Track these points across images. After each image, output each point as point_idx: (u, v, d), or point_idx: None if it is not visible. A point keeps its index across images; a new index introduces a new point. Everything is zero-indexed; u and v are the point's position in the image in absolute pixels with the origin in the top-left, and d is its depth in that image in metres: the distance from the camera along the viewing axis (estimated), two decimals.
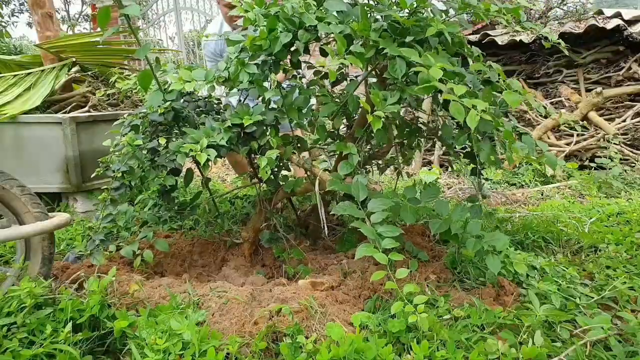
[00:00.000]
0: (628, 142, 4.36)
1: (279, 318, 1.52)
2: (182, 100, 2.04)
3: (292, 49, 1.82)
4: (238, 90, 1.95)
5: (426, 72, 1.47)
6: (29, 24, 18.40)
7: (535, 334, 1.41)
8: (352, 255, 2.02)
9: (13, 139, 3.03)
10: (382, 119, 1.58)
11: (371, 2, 1.75)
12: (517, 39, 4.82)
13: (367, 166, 2.38)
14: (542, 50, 5.01)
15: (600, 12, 4.75)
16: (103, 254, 1.98)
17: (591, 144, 4.38)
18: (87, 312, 1.50)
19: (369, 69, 1.92)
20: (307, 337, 1.44)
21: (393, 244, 1.49)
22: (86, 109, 3.34)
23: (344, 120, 2.16)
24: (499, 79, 1.78)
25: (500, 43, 4.89)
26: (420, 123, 2.30)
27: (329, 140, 2.25)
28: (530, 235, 2.36)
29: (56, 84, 3.34)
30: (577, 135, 4.49)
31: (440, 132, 2.12)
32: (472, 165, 2.06)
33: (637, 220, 2.52)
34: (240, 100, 2.08)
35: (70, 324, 1.43)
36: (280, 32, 1.70)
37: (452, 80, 1.51)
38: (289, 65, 1.96)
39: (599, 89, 4.34)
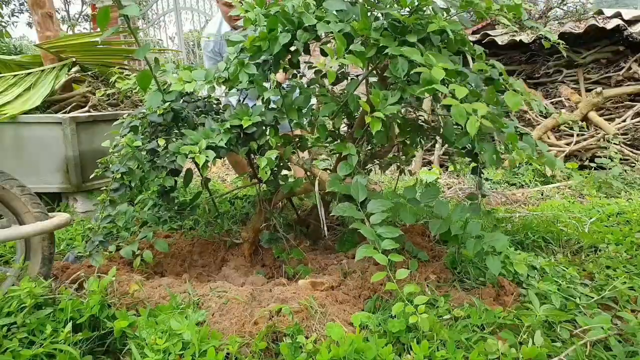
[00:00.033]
0: (628, 142, 4.36)
1: (279, 318, 1.52)
2: (181, 101, 2.04)
3: (292, 49, 1.82)
4: (237, 90, 1.95)
5: (428, 73, 1.46)
6: (29, 24, 18.41)
7: (535, 334, 1.41)
8: (352, 255, 2.03)
9: (13, 139, 3.03)
10: (382, 120, 1.58)
11: (372, 0, 1.75)
12: (517, 39, 4.82)
13: (369, 165, 2.38)
14: (542, 50, 5.01)
15: (600, 12, 4.75)
16: (103, 254, 1.98)
17: (591, 144, 4.38)
18: (87, 312, 1.50)
19: (370, 68, 1.92)
20: (307, 337, 1.44)
21: (392, 245, 1.49)
22: (86, 109, 3.34)
23: (345, 120, 2.15)
24: (502, 77, 1.77)
25: (500, 43, 4.90)
26: (422, 121, 2.30)
27: (330, 139, 2.25)
28: (530, 235, 2.36)
29: (56, 84, 3.34)
30: (577, 135, 4.49)
31: (442, 131, 2.12)
32: (472, 165, 2.06)
33: (637, 220, 2.52)
34: (239, 101, 2.08)
35: (70, 324, 1.43)
36: (280, 32, 1.70)
37: (455, 80, 1.50)
38: (289, 65, 1.96)
39: (599, 89, 4.34)
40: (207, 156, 1.73)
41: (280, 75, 2.64)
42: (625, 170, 3.87)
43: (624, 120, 4.44)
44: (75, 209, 3.10)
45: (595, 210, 2.79)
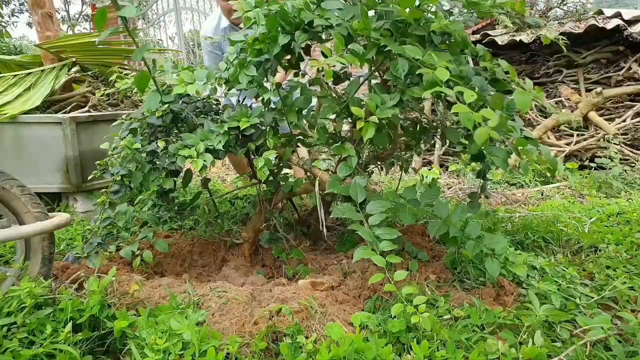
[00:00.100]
0: (628, 142, 4.36)
1: (279, 318, 1.52)
2: (180, 102, 2.04)
3: (292, 47, 1.81)
4: (237, 91, 1.95)
5: (431, 73, 1.42)
6: (29, 24, 18.42)
7: (535, 334, 1.41)
8: (352, 256, 2.02)
9: (13, 139, 3.03)
10: (376, 125, 1.56)
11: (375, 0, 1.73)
12: (517, 39, 4.82)
13: (371, 166, 2.38)
14: (542, 50, 5.01)
15: (600, 12, 4.75)
16: (103, 255, 1.98)
17: (591, 144, 4.38)
18: (87, 312, 1.50)
19: (372, 69, 1.91)
20: (307, 337, 1.44)
21: (390, 247, 1.49)
22: (86, 109, 3.34)
23: (349, 119, 2.15)
24: (508, 76, 1.74)
25: (500, 43, 4.90)
26: (425, 123, 2.29)
27: (330, 142, 2.24)
28: (530, 235, 2.36)
29: (56, 84, 3.34)
30: (577, 135, 4.49)
31: (446, 131, 2.10)
32: (473, 165, 2.05)
33: (637, 220, 2.52)
34: (239, 101, 2.08)
35: (70, 324, 1.43)
36: (280, 33, 1.69)
37: (461, 83, 1.46)
38: (288, 65, 1.95)
39: (599, 89, 4.34)
40: (204, 160, 1.72)
41: (280, 75, 2.63)
42: (625, 170, 3.87)
43: (624, 120, 4.44)
44: (75, 209, 3.10)
45: (595, 210, 2.79)
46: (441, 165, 4.64)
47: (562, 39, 1.85)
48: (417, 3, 1.59)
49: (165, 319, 1.48)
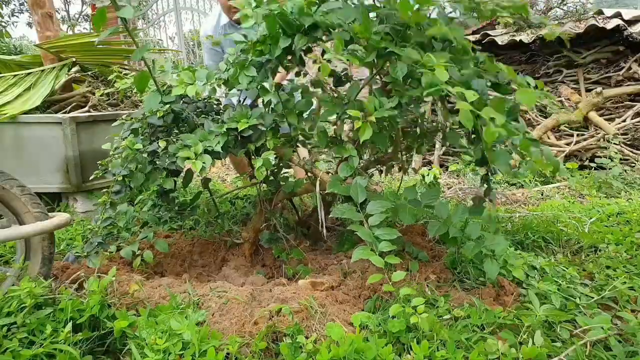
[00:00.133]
0: (628, 142, 4.36)
1: (279, 318, 1.52)
2: (181, 102, 2.04)
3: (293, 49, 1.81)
4: (238, 91, 1.95)
5: (431, 75, 1.42)
6: (29, 24, 18.42)
7: (535, 334, 1.41)
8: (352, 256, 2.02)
9: (13, 139, 3.04)
10: (374, 124, 1.56)
11: (376, 5, 1.72)
12: (517, 38, 4.82)
13: (371, 170, 2.37)
14: (542, 50, 5.01)
15: (600, 12, 4.75)
16: (103, 255, 1.98)
17: (591, 144, 4.38)
18: (87, 312, 1.50)
19: (373, 72, 1.90)
20: (307, 337, 1.44)
21: (390, 247, 1.49)
22: (86, 109, 3.34)
23: (350, 121, 2.14)
24: (508, 80, 1.72)
25: (500, 43, 4.89)
26: (426, 126, 2.28)
27: (331, 145, 2.24)
28: (530, 235, 2.36)
29: (56, 84, 3.34)
30: (577, 135, 4.49)
31: (447, 135, 2.10)
32: (473, 165, 2.05)
33: (637, 220, 2.52)
34: (239, 101, 2.08)
35: (70, 324, 1.43)
36: (281, 35, 1.69)
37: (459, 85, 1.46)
38: (290, 65, 1.94)
39: (599, 89, 4.34)
40: (203, 162, 1.71)
41: (279, 75, 2.63)
42: (625, 170, 3.87)
43: (624, 120, 4.43)
44: (75, 209, 3.10)
45: (595, 210, 2.79)
46: (441, 165, 4.64)
47: (568, 33, 1.84)
48: (416, 6, 1.58)
49: (165, 319, 1.48)
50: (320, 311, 1.56)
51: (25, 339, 1.39)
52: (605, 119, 4.48)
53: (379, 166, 2.35)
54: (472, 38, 5.09)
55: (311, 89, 2.05)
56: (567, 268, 1.91)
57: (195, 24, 8.42)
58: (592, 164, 4.10)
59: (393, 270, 1.51)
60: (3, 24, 11.63)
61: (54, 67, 3.42)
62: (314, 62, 1.71)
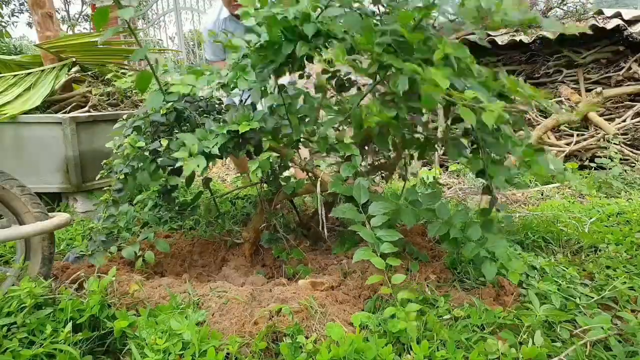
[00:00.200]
0: (628, 142, 4.36)
1: (279, 318, 1.52)
2: (183, 101, 2.04)
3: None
4: (240, 90, 1.94)
5: (431, 88, 1.40)
6: (29, 24, 18.39)
7: (535, 334, 1.41)
8: (352, 256, 2.02)
9: (13, 139, 3.04)
10: (375, 129, 1.55)
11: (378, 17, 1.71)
12: (517, 38, 4.82)
13: (372, 175, 2.37)
14: (542, 50, 5.01)
15: (600, 12, 4.75)
16: (105, 254, 1.98)
17: (591, 144, 4.38)
18: (87, 312, 1.50)
19: (375, 81, 1.89)
20: (307, 337, 1.44)
21: (391, 249, 1.49)
22: (86, 109, 3.34)
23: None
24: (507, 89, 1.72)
25: (500, 43, 4.89)
26: (429, 135, 2.26)
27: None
28: (530, 235, 2.36)
29: (56, 84, 3.34)
30: (577, 135, 4.49)
31: (447, 146, 2.09)
32: (485, 184, 2.03)
33: (637, 220, 2.52)
34: (241, 101, 2.07)
35: (70, 324, 1.43)
36: (283, 40, 1.68)
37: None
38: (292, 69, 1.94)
39: (599, 89, 4.33)
40: (198, 165, 1.66)
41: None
42: (625, 170, 3.87)
43: (624, 120, 4.43)
44: (75, 209, 3.10)
45: (595, 210, 2.78)
46: (441, 165, 4.64)
47: (579, 25, 1.82)
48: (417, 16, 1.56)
49: (165, 319, 1.48)
50: (320, 311, 1.56)
51: (25, 339, 1.39)
52: (605, 119, 4.48)
53: (381, 172, 2.35)
54: (472, 38, 5.08)
55: (314, 94, 2.05)
56: (567, 268, 1.91)
57: (195, 24, 8.43)
58: (592, 164, 4.10)
59: (393, 272, 1.51)
60: (3, 24, 11.63)
61: (54, 67, 3.42)
62: (318, 61, 1.71)
